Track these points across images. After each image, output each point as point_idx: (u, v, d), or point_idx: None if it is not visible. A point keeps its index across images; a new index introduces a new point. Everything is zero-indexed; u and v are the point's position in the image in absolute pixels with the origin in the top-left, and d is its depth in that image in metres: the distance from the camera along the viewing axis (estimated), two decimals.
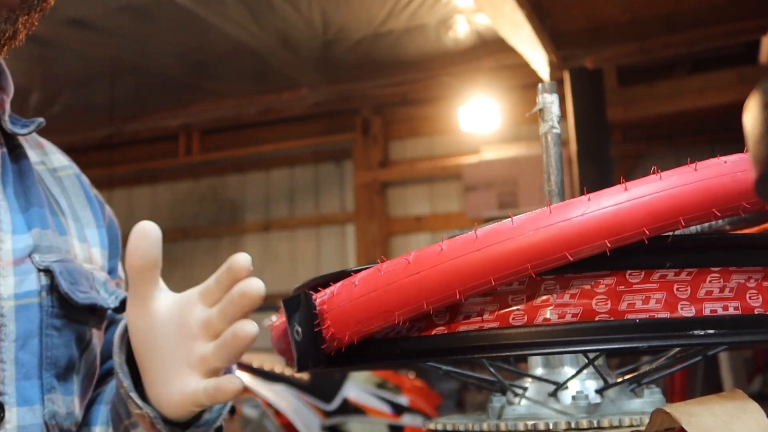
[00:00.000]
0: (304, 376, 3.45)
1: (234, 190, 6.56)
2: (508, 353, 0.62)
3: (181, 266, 6.46)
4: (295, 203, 6.34)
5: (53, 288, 0.83)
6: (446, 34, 4.53)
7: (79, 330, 0.87)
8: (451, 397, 4.64)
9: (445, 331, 0.63)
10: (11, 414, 0.79)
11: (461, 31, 4.49)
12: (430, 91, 5.35)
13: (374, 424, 3.51)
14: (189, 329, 0.69)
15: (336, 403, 3.41)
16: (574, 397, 0.78)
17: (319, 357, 0.65)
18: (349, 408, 3.45)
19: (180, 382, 0.69)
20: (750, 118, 0.42)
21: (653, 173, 0.61)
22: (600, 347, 0.62)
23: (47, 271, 0.84)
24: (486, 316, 0.62)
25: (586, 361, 0.78)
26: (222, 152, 6.36)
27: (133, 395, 0.73)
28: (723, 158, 0.62)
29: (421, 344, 0.64)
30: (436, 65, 4.91)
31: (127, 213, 6.70)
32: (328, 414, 3.40)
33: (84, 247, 0.93)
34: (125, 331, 0.77)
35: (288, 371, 3.45)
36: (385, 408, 3.52)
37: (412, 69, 4.99)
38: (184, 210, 6.66)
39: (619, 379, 0.80)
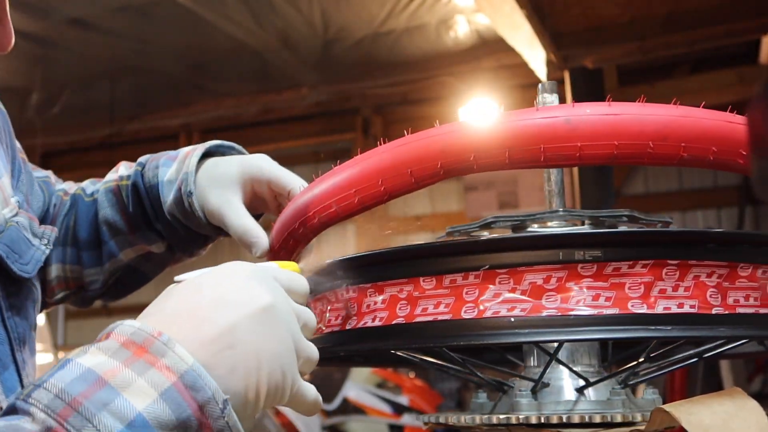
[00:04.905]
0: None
1: None
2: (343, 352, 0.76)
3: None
4: None
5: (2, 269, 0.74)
6: (446, 34, 4.53)
7: (31, 293, 0.80)
8: (452, 397, 4.63)
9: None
10: None
11: (461, 30, 4.49)
12: (430, 91, 5.35)
13: (374, 424, 3.51)
14: None
15: (336, 403, 3.41)
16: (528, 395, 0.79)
17: None
18: (349, 408, 3.45)
19: None
20: (751, 116, 0.42)
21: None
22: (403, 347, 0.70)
23: None
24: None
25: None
26: None
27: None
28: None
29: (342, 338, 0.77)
30: (436, 65, 4.91)
31: None
32: (328, 413, 3.40)
33: None
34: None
35: None
36: (385, 408, 3.52)
37: (412, 69, 4.99)
38: None
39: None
